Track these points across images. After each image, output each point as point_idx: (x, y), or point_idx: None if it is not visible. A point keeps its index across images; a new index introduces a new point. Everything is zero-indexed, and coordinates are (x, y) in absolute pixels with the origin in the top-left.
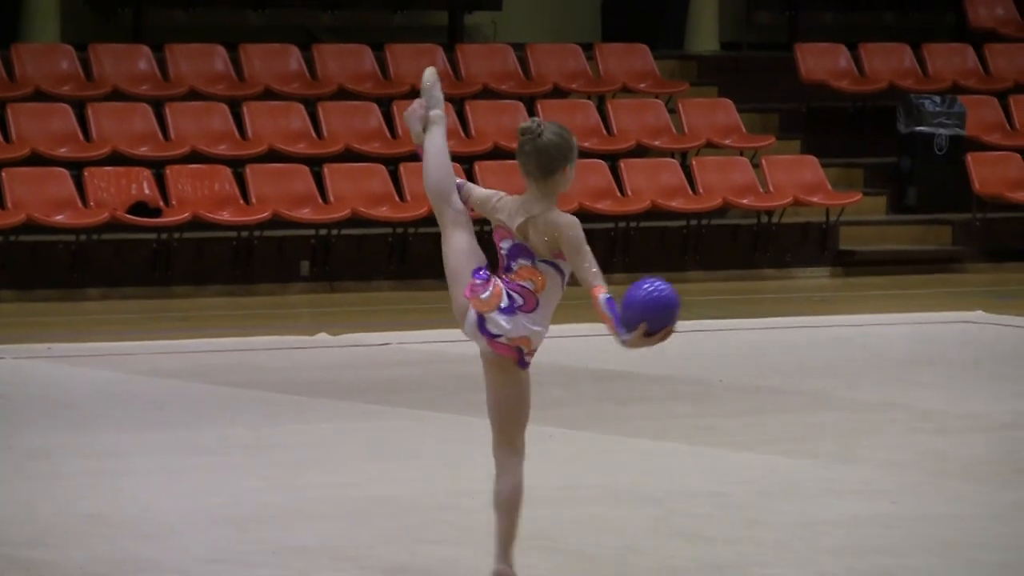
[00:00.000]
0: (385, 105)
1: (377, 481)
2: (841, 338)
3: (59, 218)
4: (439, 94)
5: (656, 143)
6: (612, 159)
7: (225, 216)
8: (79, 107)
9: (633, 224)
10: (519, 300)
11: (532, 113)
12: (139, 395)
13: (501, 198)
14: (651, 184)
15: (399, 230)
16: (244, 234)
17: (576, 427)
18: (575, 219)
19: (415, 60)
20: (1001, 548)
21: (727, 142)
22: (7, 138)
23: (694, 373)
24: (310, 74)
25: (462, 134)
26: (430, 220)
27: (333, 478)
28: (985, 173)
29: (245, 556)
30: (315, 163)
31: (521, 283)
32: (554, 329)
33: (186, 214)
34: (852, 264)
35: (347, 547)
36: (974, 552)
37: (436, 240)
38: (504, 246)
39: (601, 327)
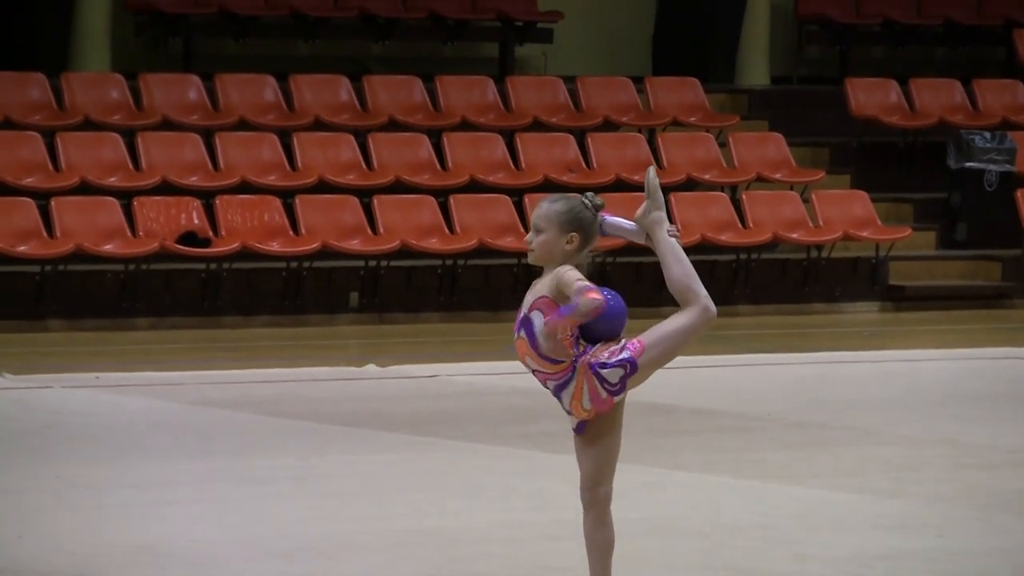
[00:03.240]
0: (435, 136)
1: (425, 513)
2: (890, 373)
3: (108, 247)
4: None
5: (706, 177)
6: (663, 193)
7: (274, 247)
8: (128, 136)
9: None
10: None
11: (582, 146)
12: (187, 425)
13: None
14: (701, 218)
15: (448, 262)
16: (293, 265)
17: (623, 460)
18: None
19: (465, 92)
20: None
21: (777, 176)
22: (56, 167)
23: (742, 407)
24: (360, 105)
25: (512, 166)
26: (479, 252)
27: (381, 510)
28: None
29: None
30: (365, 194)
31: None
32: None
33: (235, 244)
34: (901, 299)
35: None
36: None
37: (484, 272)
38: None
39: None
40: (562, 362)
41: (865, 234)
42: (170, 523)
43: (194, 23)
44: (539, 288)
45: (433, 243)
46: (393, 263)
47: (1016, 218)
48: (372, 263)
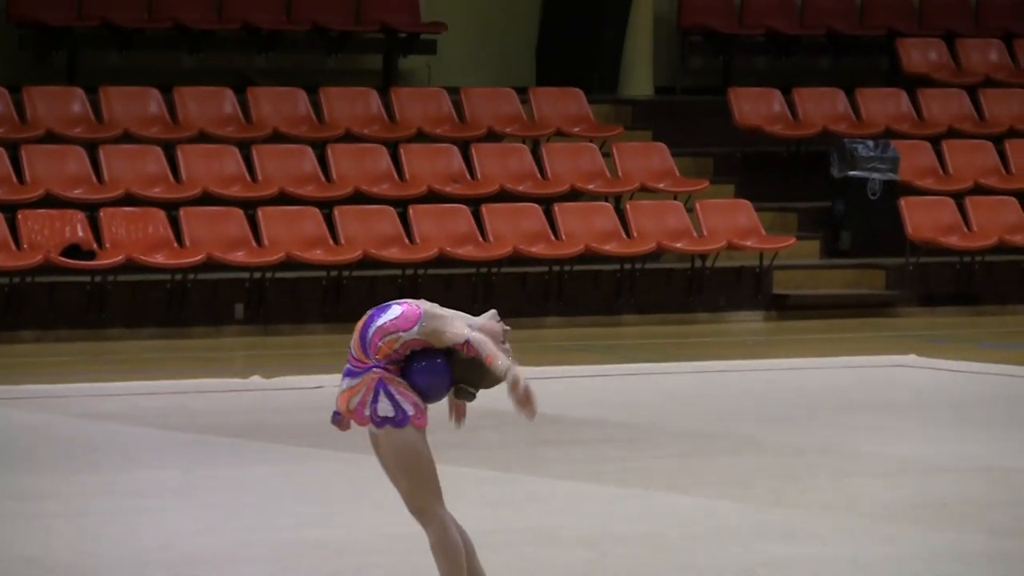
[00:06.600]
0: (319, 148)
1: (310, 524)
2: (774, 382)
3: None
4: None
5: (590, 187)
6: (546, 203)
7: (159, 259)
8: (12, 149)
9: (567, 268)
10: None
11: (466, 157)
12: (72, 438)
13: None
14: (585, 228)
15: (333, 273)
16: (178, 277)
17: (509, 470)
18: None
19: (349, 103)
20: None
21: (661, 186)
22: None
23: (627, 416)
24: (244, 117)
25: (396, 178)
26: (364, 264)
27: (266, 521)
28: (918, 218)
29: None
30: (249, 206)
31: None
32: None
33: (120, 257)
34: (786, 308)
35: None
36: None
37: (369, 283)
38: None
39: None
40: (368, 359)
41: (749, 243)
42: (55, 535)
43: (78, 36)
44: (417, 301)
45: (318, 255)
46: (278, 275)
47: (900, 226)
48: (257, 275)
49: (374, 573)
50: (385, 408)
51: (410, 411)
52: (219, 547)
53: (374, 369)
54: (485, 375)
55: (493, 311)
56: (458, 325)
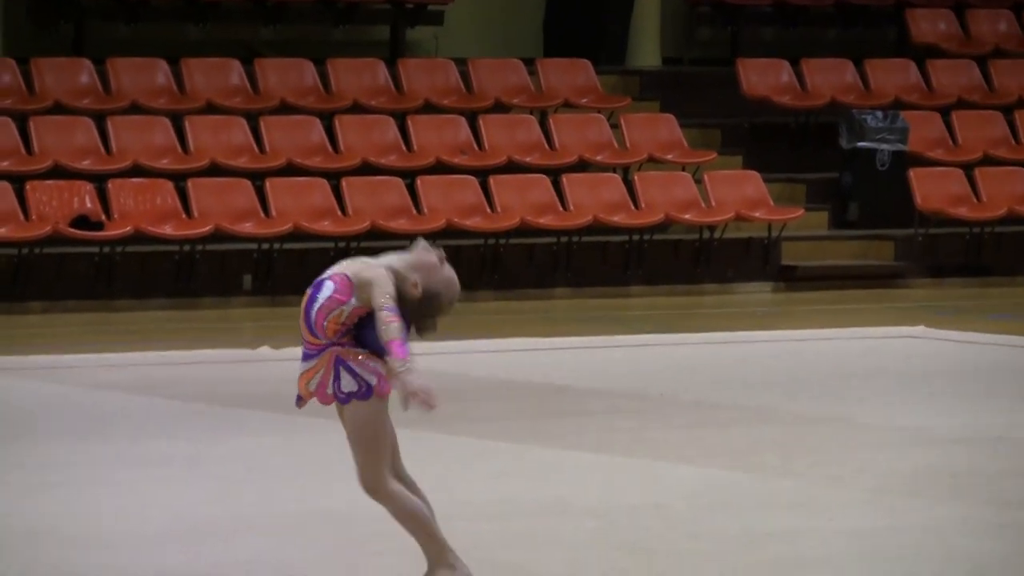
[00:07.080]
0: (327, 119)
1: (318, 494)
2: (782, 353)
3: (1, 232)
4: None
5: (598, 158)
6: (554, 174)
7: (167, 230)
8: (21, 120)
9: (575, 239)
10: None
11: (474, 128)
12: (81, 408)
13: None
14: (593, 199)
15: (340, 244)
16: (186, 248)
17: (516, 440)
18: None
19: (357, 75)
20: (939, 562)
21: (669, 157)
22: None
23: (635, 387)
24: (252, 88)
25: (404, 149)
26: (371, 235)
27: (275, 492)
28: (927, 189)
29: (186, 570)
30: (257, 177)
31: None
32: (495, 343)
33: (128, 228)
34: (794, 279)
35: (288, 561)
36: (912, 566)
37: (377, 254)
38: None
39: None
40: (320, 340)
41: (757, 215)
42: (63, 506)
43: (85, 7)
44: (345, 265)
45: (326, 226)
46: (286, 246)
47: (908, 197)
48: (265, 246)
49: (380, 543)
50: (348, 384)
51: (373, 380)
52: (227, 518)
53: (328, 348)
54: (432, 306)
55: (422, 241)
56: (379, 292)
